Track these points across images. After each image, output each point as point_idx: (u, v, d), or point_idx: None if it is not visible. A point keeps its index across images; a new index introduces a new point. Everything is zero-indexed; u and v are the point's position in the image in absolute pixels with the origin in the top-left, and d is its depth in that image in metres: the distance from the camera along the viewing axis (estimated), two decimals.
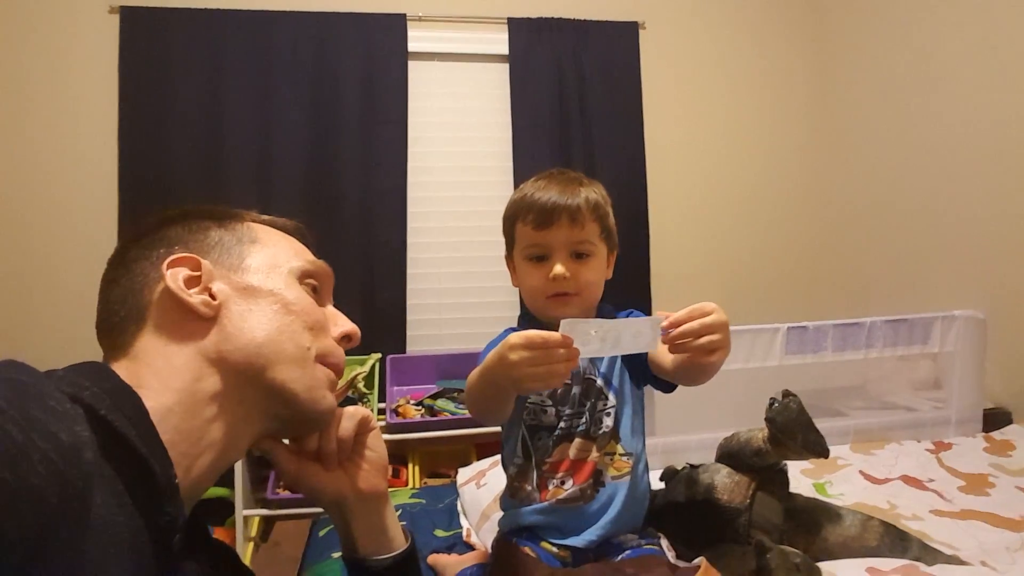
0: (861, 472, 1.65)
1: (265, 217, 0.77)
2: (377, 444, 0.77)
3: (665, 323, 0.85)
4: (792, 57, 3.21)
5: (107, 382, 0.56)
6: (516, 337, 0.79)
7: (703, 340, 0.84)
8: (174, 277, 0.64)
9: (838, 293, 3.05)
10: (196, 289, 0.65)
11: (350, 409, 0.75)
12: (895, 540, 1.12)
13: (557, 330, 1.06)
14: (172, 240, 0.69)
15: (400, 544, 0.78)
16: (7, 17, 2.57)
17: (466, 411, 2.32)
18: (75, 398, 0.49)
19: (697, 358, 0.86)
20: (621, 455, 1.03)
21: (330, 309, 0.76)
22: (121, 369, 0.60)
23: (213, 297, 0.65)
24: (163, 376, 0.61)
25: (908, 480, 1.59)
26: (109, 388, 0.55)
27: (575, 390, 1.03)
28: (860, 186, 2.94)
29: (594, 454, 1.02)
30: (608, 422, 1.03)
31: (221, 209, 0.75)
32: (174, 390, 0.60)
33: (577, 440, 1.02)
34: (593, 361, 1.06)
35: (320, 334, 0.70)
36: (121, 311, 0.65)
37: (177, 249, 0.68)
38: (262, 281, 0.68)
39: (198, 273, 0.66)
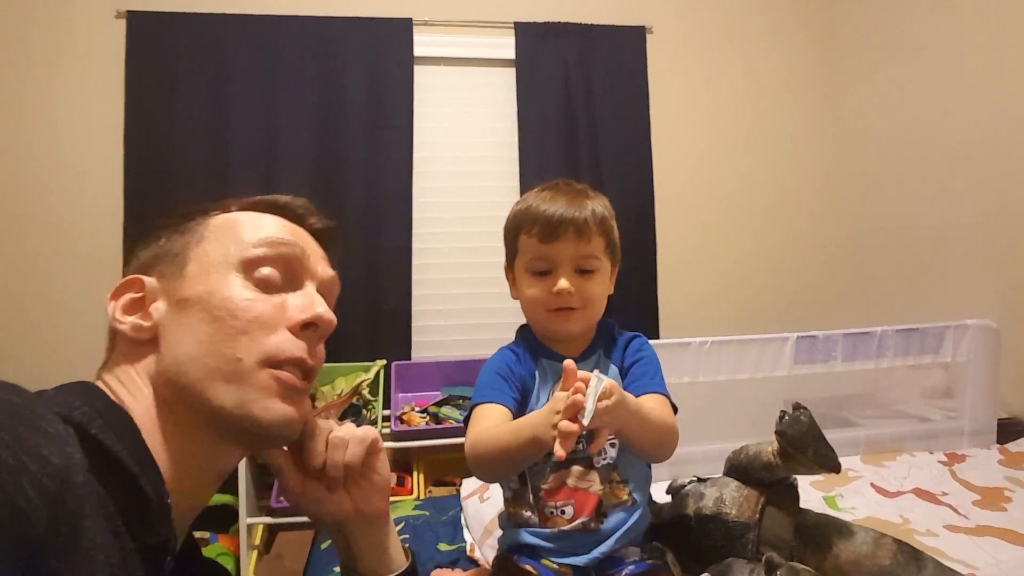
0: (872, 485, 1.62)
1: (247, 200, 0.73)
2: (383, 468, 0.74)
3: (568, 401, 0.81)
4: (801, 62, 3.18)
5: (98, 402, 0.56)
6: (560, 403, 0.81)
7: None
8: (114, 305, 0.65)
9: (848, 301, 3.01)
10: (138, 314, 0.65)
11: (359, 434, 0.71)
12: (909, 558, 1.08)
13: (557, 347, 1.02)
14: (134, 261, 0.69)
15: (401, 563, 0.76)
16: (13, 22, 2.57)
17: None
18: (66, 418, 0.49)
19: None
20: (618, 482, 1.00)
21: (292, 297, 0.67)
22: (103, 387, 0.62)
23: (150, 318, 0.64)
24: (128, 398, 0.61)
25: (921, 493, 1.56)
26: (100, 408, 0.55)
27: None
28: (871, 192, 2.90)
29: (597, 486, 0.99)
30: (612, 453, 1.00)
31: (190, 208, 0.72)
32: (137, 414, 0.60)
33: (575, 468, 0.99)
34: None
35: (259, 334, 0.62)
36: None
37: (132, 271, 0.68)
38: (193, 288, 0.64)
39: (141, 294, 0.66)
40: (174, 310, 0.64)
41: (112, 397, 0.60)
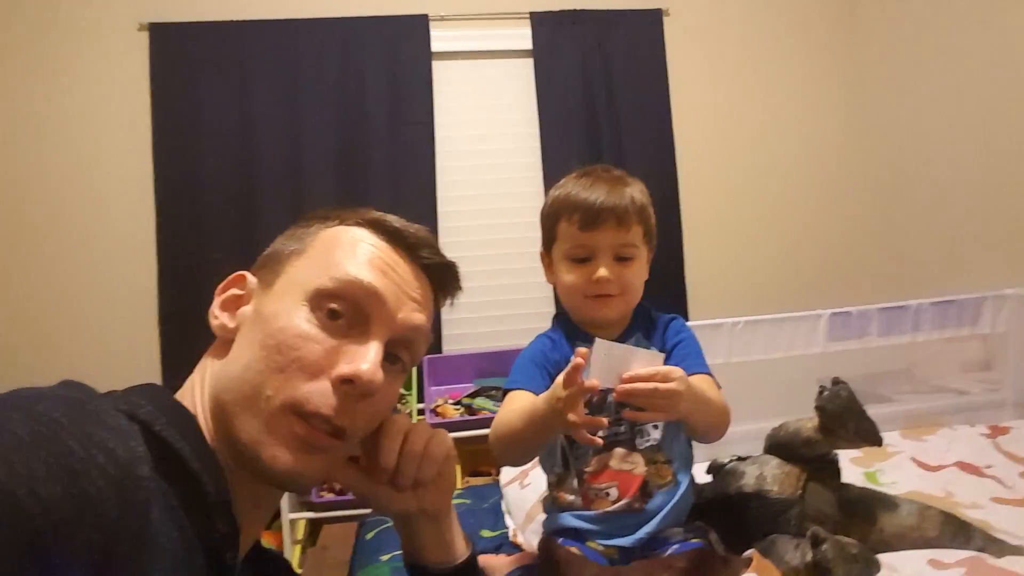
0: (913, 459, 1.59)
1: (364, 215, 0.69)
2: (451, 473, 0.75)
3: (625, 376, 0.85)
4: (823, 37, 3.12)
5: (163, 401, 0.57)
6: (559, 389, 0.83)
7: (643, 402, 0.87)
8: (218, 299, 0.66)
9: (882, 276, 2.96)
10: (230, 313, 0.65)
11: (434, 452, 0.69)
12: (956, 530, 1.08)
13: (590, 333, 1.04)
14: (264, 253, 0.69)
15: (462, 552, 0.77)
16: (38, 38, 2.62)
17: None
18: (131, 415, 0.51)
19: (630, 413, 0.91)
20: (663, 462, 1.01)
21: (351, 344, 0.61)
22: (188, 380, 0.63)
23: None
24: (199, 394, 0.62)
25: (964, 467, 1.54)
26: (165, 407, 0.56)
27: (610, 398, 1.00)
28: (899, 163, 2.84)
29: (641, 467, 1.00)
30: (656, 435, 1.01)
31: (320, 212, 0.70)
32: (200, 411, 0.61)
33: (617, 450, 1.00)
34: None
35: (296, 376, 0.58)
36: None
37: (254, 265, 0.68)
38: (270, 304, 0.62)
39: (243, 293, 0.66)
40: (251, 319, 0.63)
41: (188, 390, 0.62)
